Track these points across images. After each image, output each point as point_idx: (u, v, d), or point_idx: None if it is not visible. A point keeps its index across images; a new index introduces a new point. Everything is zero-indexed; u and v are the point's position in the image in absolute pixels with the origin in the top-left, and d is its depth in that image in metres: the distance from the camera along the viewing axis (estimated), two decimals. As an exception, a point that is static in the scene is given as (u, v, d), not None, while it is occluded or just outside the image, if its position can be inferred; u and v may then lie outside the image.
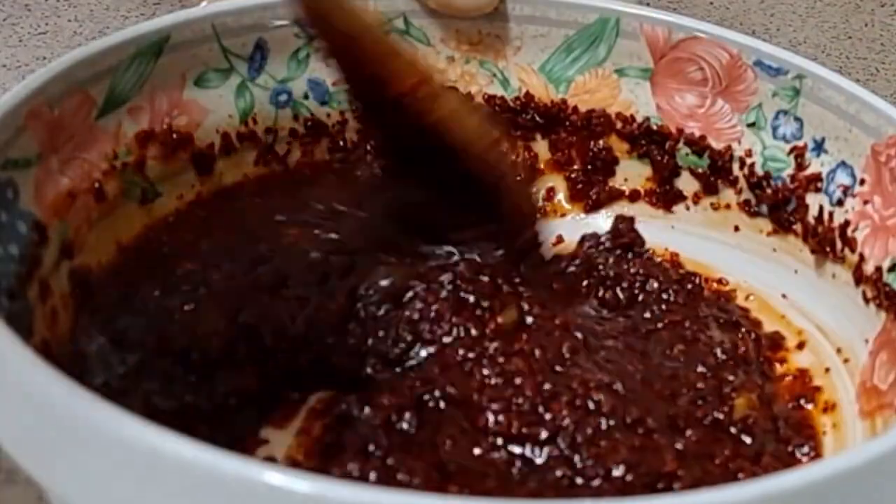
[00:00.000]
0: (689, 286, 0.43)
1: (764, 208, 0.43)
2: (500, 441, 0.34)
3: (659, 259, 0.44)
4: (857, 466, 0.25)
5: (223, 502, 0.23)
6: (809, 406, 0.38)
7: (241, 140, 0.43)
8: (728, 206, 0.45)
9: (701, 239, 0.45)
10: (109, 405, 0.24)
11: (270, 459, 0.34)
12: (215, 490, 0.23)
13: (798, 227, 0.42)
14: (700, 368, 0.38)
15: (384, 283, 0.39)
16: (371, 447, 0.33)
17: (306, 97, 0.44)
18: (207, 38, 0.42)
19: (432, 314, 0.38)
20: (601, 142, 0.46)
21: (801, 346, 0.41)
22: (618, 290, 0.42)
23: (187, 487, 0.23)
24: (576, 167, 0.47)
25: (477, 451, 0.33)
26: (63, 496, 0.26)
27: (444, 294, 0.38)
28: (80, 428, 0.24)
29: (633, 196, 0.47)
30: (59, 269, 0.35)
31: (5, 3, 0.65)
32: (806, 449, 0.36)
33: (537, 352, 0.37)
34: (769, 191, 0.43)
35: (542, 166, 0.47)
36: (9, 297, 0.31)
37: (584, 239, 0.45)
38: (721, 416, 0.36)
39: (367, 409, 0.34)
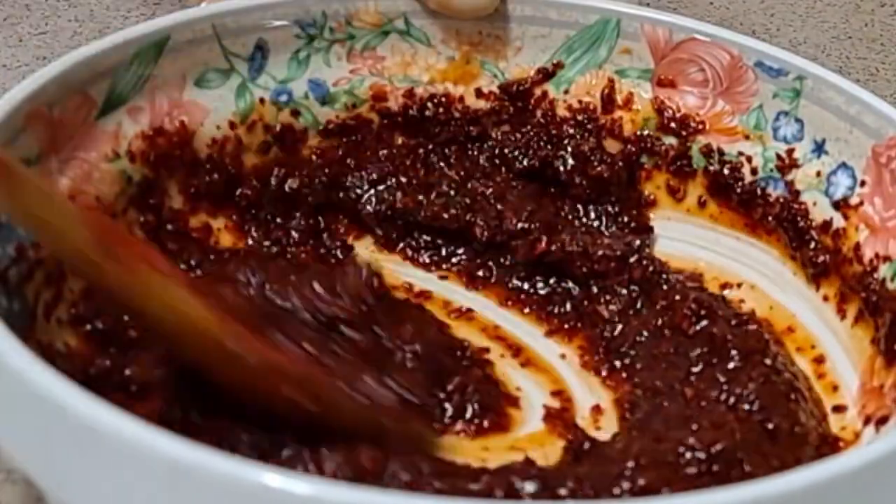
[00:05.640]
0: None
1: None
2: None
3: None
4: (857, 467, 0.25)
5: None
6: None
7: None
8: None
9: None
10: (107, 406, 0.24)
11: None
12: (212, 492, 0.23)
13: (797, 229, 0.42)
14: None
15: None
16: None
17: (306, 97, 0.44)
18: (207, 39, 0.42)
19: None
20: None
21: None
22: None
23: (181, 488, 0.23)
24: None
25: None
26: (60, 497, 0.26)
27: None
28: (75, 429, 0.24)
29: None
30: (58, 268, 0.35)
31: (5, 3, 0.65)
32: None
33: None
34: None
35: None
36: (8, 297, 0.31)
37: None
38: None
39: None
